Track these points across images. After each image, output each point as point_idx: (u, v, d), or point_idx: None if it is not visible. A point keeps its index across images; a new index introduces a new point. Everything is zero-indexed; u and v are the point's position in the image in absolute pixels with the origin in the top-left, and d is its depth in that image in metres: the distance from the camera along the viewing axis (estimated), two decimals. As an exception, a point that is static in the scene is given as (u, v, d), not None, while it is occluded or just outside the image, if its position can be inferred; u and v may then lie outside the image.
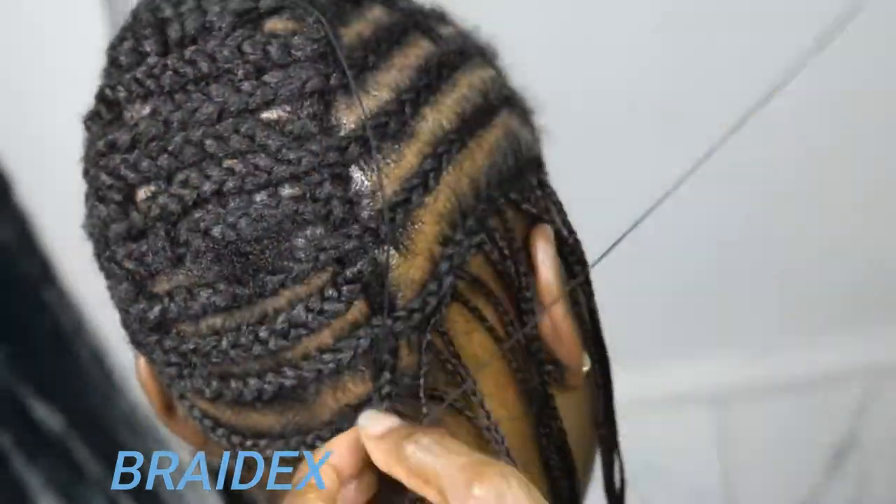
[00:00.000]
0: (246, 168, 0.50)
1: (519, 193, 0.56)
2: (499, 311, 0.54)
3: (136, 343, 0.57)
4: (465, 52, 0.56)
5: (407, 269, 0.52)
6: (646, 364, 1.45)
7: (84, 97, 1.33)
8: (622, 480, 0.62)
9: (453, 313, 0.53)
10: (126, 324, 0.57)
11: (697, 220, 1.46)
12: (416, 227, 0.52)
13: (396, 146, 0.52)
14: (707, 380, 1.51)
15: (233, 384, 0.54)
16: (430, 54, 0.54)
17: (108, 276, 0.56)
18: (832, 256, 1.49)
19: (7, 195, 1.24)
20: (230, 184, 0.50)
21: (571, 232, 0.57)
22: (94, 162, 0.55)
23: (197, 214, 0.51)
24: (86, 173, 0.57)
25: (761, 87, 0.59)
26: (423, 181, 0.52)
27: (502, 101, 0.57)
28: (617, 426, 0.60)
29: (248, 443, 0.56)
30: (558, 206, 0.57)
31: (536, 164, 0.58)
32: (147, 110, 0.53)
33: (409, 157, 0.52)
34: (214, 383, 0.54)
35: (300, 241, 0.50)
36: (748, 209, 1.47)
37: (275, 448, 0.55)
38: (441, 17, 0.58)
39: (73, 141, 1.34)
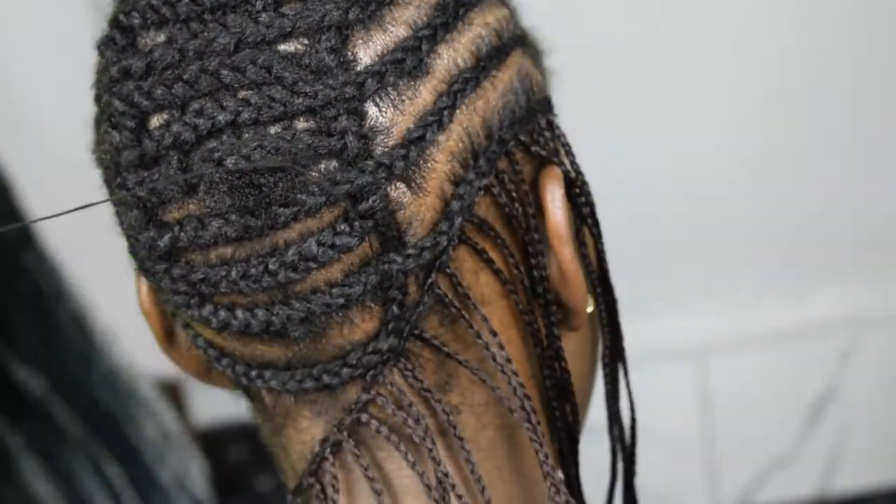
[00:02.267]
0: (262, 100, 0.50)
1: (529, 135, 0.55)
2: (504, 253, 0.54)
3: (144, 271, 0.56)
4: None
5: (418, 207, 0.52)
6: (625, 319, 1.45)
7: (57, 66, 1.33)
8: (633, 419, 0.62)
9: (462, 252, 0.53)
10: (133, 251, 0.56)
11: (678, 174, 1.46)
12: (429, 165, 0.52)
13: (412, 83, 0.51)
14: (687, 334, 1.51)
15: (240, 315, 0.53)
16: None
17: (117, 202, 0.55)
18: (813, 210, 1.49)
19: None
20: (245, 115, 0.50)
21: (579, 174, 0.57)
22: (107, 88, 0.54)
23: (211, 144, 0.50)
24: (97, 99, 0.55)
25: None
26: (437, 119, 0.52)
27: (516, 40, 0.56)
28: (626, 366, 0.61)
29: (253, 373, 0.56)
30: (567, 147, 0.57)
31: (547, 105, 0.57)
32: (162, 38, 0.52)
33: (424, 94, 0.52)
34: (222, 313, 0.54)
35: (315, 175, 0.50)
36: (730, 163, 1.47)
37: (280, 380, 0.55)
38: None
39: (51, 107, 1.33)
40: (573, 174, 0.57)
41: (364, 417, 0.54)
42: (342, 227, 0.50)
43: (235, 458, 1.49)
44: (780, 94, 1.46)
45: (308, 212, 0.50)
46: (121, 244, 0.58)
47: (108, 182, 0.55)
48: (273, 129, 0.50)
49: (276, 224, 0.50)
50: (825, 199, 1.51)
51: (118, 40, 0.54)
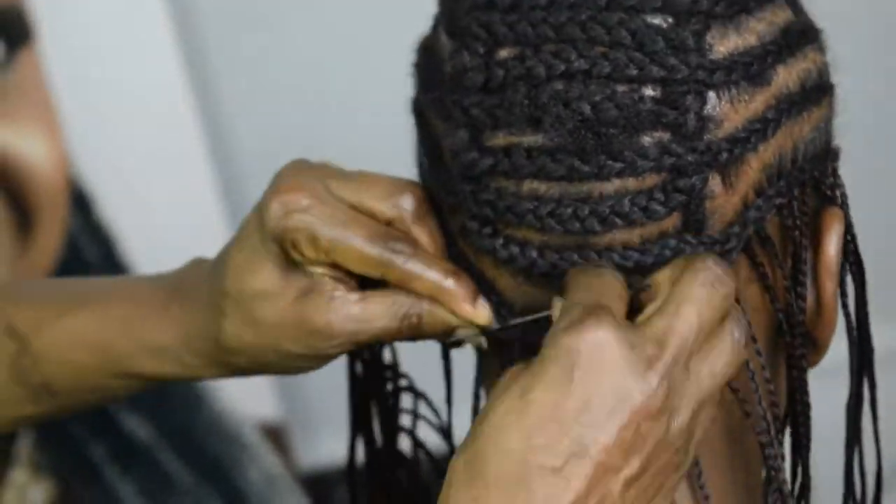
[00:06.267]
0: (620, 58, 0.53)
1: (822, 174, 0.58)
2: (778, 273, 0.56)
3: (447, 191, 0.58)
4: (816, 32, 0.59)
5: (724, 203, 0.54)
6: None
7: (157, 118, 1.36)
8: (879, 472, 0.63)
9: (740, 259, 0.55)
10: (435, 174, 0.59)
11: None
12: (744, 168, 0.54)
13: (751, 88, 0.54)
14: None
15: (529, 253, 0.55)
16: (793, 21, 0.57)
17: (444, 119, 0.58)
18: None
19: (90, 215, 1.28)
20: (600, 68, 0.53)
21: (852, 225, 0.59)
22: (468, 12, 0.57)
23: (561, 85, 0.54)
24: (456, 20, 0.58)
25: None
26: (762, 128, 0.54)
27: (830, 88, 0.59)
28: (876, 416, 0.61)
29: (513, 321, 0.58)
30: (844, 198, 0.59)
31: (836, 155, 0.60)
32: None
33: (757, 101, 0.54)
34: (512, 247, 0.56)
35: (649, 140, 0.53)
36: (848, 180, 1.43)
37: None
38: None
39: (151, 161, 1.37)
40: (847, 224, 0.58)
41: None
42: (658, 195, 0.54)
43: (340, 501, 1.50)
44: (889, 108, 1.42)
45: (634, 171, 0.54)
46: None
47: (438, 98, 0.59)
48: (623, 88, 0.54)
49: (600, 174, 0.54)
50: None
51: None
